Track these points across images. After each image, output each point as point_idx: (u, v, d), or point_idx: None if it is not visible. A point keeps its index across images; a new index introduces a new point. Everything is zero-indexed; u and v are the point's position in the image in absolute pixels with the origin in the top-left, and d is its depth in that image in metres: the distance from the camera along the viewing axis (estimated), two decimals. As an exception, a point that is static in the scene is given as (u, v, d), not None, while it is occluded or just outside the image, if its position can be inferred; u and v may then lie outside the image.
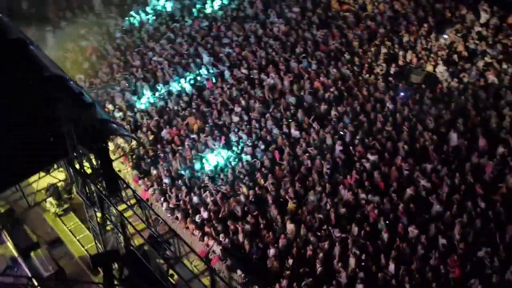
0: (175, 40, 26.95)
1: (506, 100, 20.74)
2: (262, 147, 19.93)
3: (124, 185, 13.50)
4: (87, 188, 13.04)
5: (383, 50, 24.09)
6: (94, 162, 12.48)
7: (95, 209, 13.69)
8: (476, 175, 17.92)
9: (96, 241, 15.49)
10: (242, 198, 18.21)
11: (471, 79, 21.94)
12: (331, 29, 25.88)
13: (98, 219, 14.03)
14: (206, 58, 24.94)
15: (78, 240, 18.20)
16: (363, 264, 15.80)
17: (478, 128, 19.57)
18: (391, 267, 15.55)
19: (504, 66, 22.24)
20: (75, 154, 12.41)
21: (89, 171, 13.01)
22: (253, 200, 18.14)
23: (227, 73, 24.02)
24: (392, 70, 23.05)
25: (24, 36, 13.85)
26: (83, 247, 18.02)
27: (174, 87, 23.66)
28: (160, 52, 26.02)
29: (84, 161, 12.90)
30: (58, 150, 11.59)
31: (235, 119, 21.58)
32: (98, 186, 12.71)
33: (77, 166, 12.87)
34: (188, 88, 23.46)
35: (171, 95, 23.38)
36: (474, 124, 19.84)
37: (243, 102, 22.19)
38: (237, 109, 21.98)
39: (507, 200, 17.05)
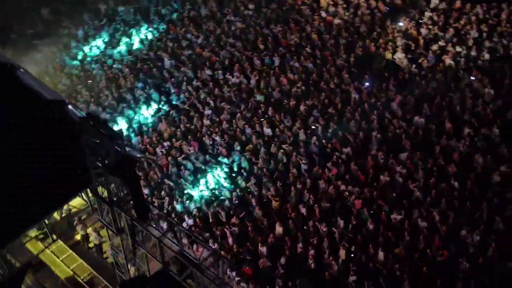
0: (132, 45, 26.36)
1: (465, 82, 21.43)
2: (238, 148, 19.79)
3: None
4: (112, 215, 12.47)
5: (342, 41, 24.36)
6: (116, 189, 11.98)
7: (123, 236, 13.23)
8: (447, 157, 18.45)
9: (120, 268, 14.82)
10: (226, 202, 18.08)
11: (430, 64, 22.52)
12: (289, 23, 25.96)
13: (126, 246, 13.47)
14: (167, 61, 24.51)
15: (62, 261, 17.57)
16: (352, 255, 16.03)
17: (443, 111, 20.14)
18: (380, 255, 15.83)
19: (458, 49, 22.97)
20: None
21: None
22: (237, 202, 18.04)
23: (191, 76, 23.67)
24: (353, 61, 23.37)
25: (9, 60, 13.06)
26: (68, 267, 17.42)
27: (139, 94, 23.10)
28: (120, 59, 25.39)
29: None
30: (81, 180, 11.00)
31: (206, 122, 21.33)
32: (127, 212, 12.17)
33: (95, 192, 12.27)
34: (154, 94, 22.95)
35: (137, 102, 22.83)
36: (439, 108, 20.39)
37: (212, 104, 21.98)
38: (207, 111, 21.73)
39: (479, 178, 17.67)
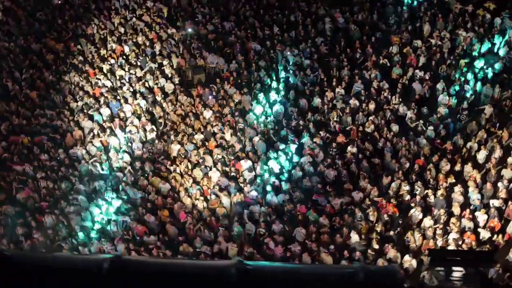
0: None
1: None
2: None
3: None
4: None
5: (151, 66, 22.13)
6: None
7: None
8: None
9: None
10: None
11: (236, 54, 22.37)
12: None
13: None
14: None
15: None
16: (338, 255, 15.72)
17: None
18: (355, 237, 15.96)
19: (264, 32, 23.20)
20: None
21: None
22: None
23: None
24: (177, 81, 21.73)
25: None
26: None
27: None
28: None
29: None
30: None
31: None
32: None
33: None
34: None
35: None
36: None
37: (82, 188, 18.01)
38: (80, 197, 17.72)
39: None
